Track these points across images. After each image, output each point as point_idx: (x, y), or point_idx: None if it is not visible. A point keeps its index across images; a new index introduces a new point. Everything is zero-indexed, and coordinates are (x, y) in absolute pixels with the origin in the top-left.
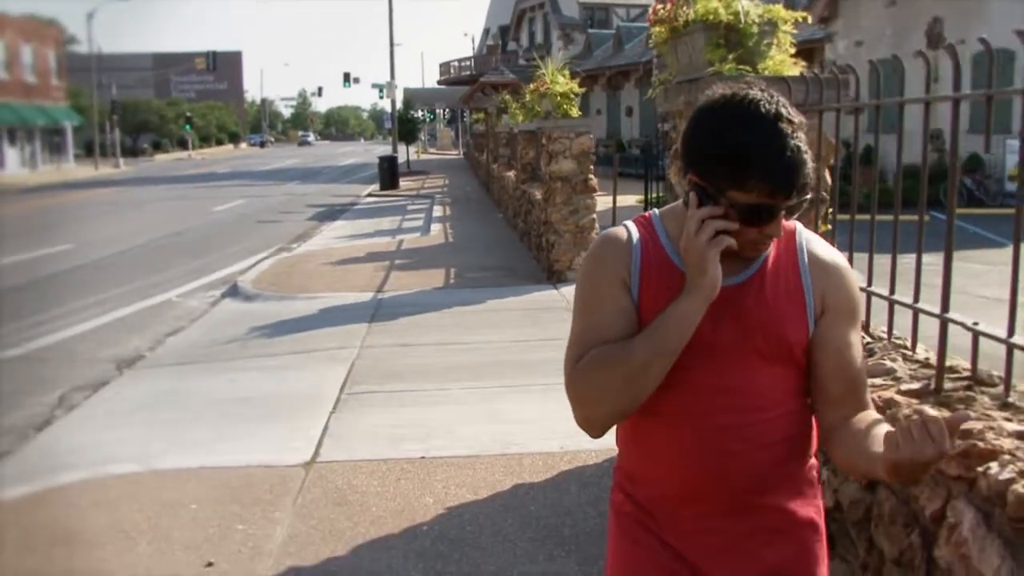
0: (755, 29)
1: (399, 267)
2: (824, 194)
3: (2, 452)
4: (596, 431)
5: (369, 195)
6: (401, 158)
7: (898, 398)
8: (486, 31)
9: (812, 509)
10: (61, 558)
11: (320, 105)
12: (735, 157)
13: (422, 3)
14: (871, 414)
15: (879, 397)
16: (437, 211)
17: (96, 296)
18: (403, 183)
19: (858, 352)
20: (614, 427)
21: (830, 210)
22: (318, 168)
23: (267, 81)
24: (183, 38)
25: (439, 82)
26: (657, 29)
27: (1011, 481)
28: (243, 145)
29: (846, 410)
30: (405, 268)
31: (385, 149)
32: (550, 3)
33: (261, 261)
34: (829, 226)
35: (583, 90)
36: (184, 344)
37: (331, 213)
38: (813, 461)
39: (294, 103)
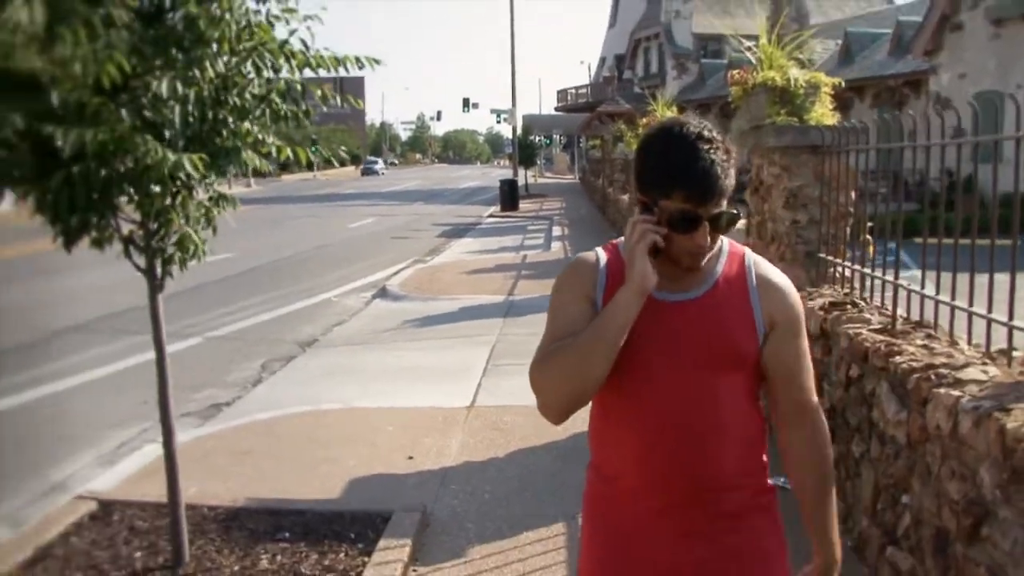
0: (802, 91)
1: (525, 276)
2: (851, 208)
3: (235, 398)
4: (554, 417)
5: (491, 215)
6: (520, 181)
7: (865, 333)
8: (602, 60)
9: (764, 505)
10: (309, 451)
11: (437, 129)
12: (660, 169)
13: (540, 32)
14: (815, 478)
15: (854, 333)
16: (556, 231)
17: (265, 295)
18: (523, 205)
19: (806, 361)
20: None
21: (869, 223)
22: (439, 190)
23: (387, 105)
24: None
25: (556, 108)
26: (735, 89)
27: (902, 362)
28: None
29: (799, 422)
30: (531, 277)
31: (501, 173)
32: (664, 34)
33: (401, 270)
34: (869, 236)
35: None
36: (349, 332)
37: (457, 231)
38: (764, 457)
39: (413, 126)
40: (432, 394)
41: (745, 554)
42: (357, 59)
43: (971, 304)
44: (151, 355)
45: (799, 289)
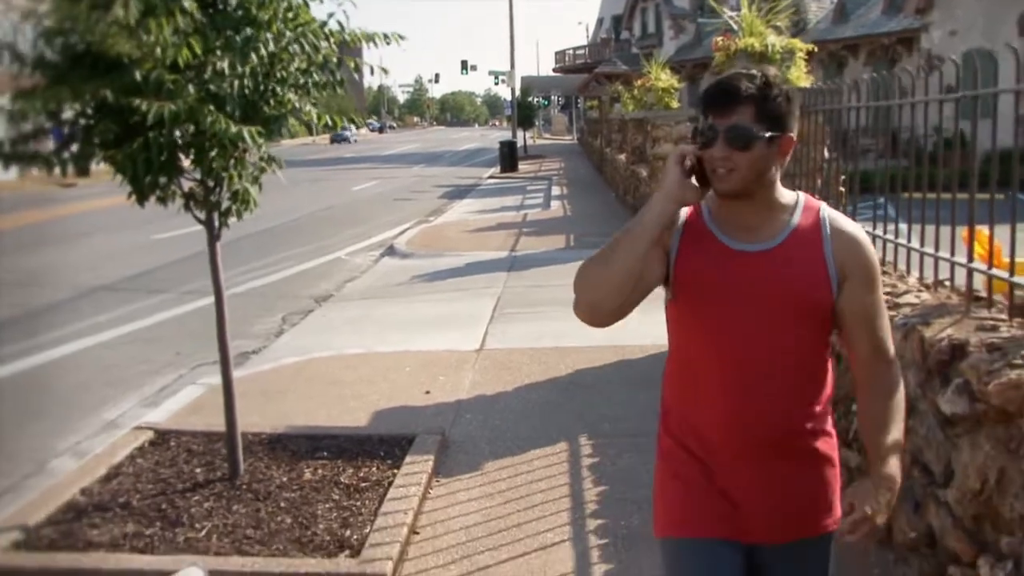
0: (778, 56)
1: (526, 233)
2: (824, 164)
3: (260, 347)
4: (582, 313)
5: (491, 177)
6: (518, 143)
7: None
8: (600, 20)
9: (829, 446)
10: (336, 389)
11: (435, 91)
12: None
13: None
14: (885, 414)
15: None
16: (555, 190)
17: (280, 254)
18: (521, 166)
19: (880, 312)
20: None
21: (843, 177)
22: (439, 152)
23: (385, 67)
24: None
25: (555, 69)
26: (718, 54)
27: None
28: (363, 130)
29: (873, 366)
30: (531, 235)
31: (499, 134)
32: None
33: (407, 230)
34: (843, 188)
35: (682, 84)
36: (361, 287)
37: (459, 192)
38: (829, 404)
39: (411, 89)
40: (444, 339)
41: (808, 496)
42: (385, 36)
43: (908, 241)
44: (178, 311)
45: None
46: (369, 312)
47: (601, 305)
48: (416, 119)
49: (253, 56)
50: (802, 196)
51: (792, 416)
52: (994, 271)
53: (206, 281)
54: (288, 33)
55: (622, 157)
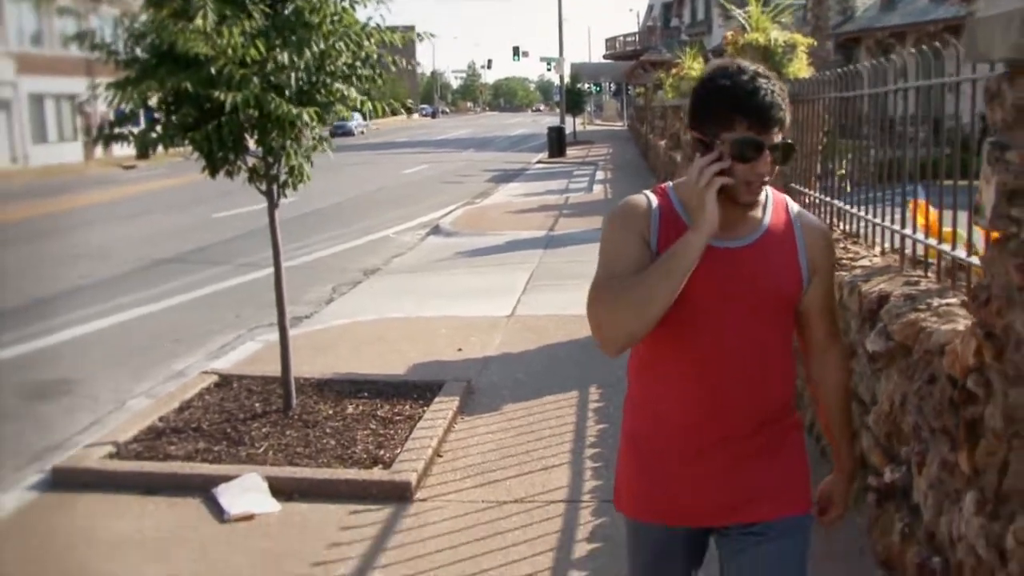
0: (780, 50)
1: (566, 215)
2: (819, 147)
3: (312, 312)
4: (613, 350)
5: (539, 162)
6: (568, 129)
7: None
8: (650, 7)
9: (796, 432)
10: (378, 346)
11: (488, 77)
12: (722, 101)
13: None
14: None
15: None
16: (600, 175)
17: (330, 233)
18: (569, 152)
19: (833, 297)
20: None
21: (845, 160)
22: (490, 138)
23: (438, 54)
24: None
25: (605, 56)
26: (728, 48)
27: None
28: (415, 116)
29: (829, 349)
30: (571, 216)
31: (549, 120)
32: None
33: (453, 211)
34: (843, 171)
35: None
36: (408, 262)
37: (506, 176)
38: (794, 394)
39: (463, 75)
40: (479, 307)
41: (778, 480)
42: (419, 34)
43: (866, 214)
44: (235, 281)
45: None
46: (413, 283)
47: (636, 340)
48: (469, 104)
49: (307, 52)
50: (770, 191)
51: (763, 406)
52: (917, 235)
53: (261, 254)
54: (336, 33)
55: (663, 143)
